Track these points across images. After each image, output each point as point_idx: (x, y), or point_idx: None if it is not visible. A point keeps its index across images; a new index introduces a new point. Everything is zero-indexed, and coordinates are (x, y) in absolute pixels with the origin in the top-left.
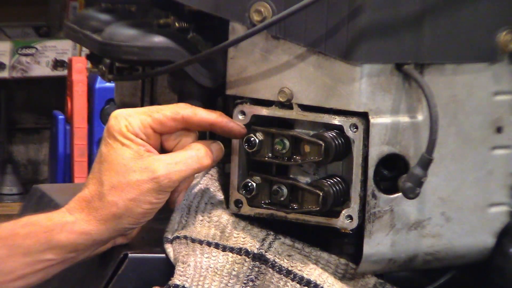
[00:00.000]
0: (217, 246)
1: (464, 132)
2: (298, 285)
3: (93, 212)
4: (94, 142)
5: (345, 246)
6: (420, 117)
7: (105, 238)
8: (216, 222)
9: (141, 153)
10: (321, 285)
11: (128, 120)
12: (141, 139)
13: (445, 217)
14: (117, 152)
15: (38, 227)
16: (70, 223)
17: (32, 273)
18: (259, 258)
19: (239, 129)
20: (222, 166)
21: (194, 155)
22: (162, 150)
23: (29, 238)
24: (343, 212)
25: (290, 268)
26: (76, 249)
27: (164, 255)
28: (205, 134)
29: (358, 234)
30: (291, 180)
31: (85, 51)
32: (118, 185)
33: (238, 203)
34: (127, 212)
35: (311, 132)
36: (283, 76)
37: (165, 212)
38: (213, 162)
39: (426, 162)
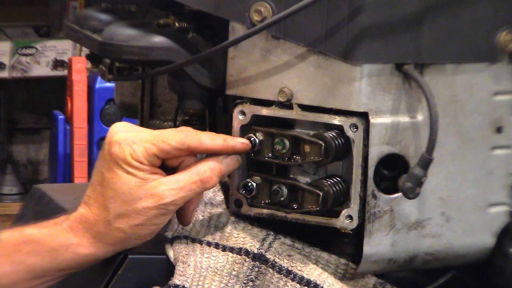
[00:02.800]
0: (217, 246)
1: (464, 132)
2: (298, 285)
3: (99, 236)
4: (94, 142)
5: (345, 246)
6: (420, 117)
7: (110, 255)
8: (216, 222)
9: (145, 178)
10: (321, 285)
11: (133, 148)
12: (145, 165)
13: (445, 217)
14: (122, 180)
15: (42, 246)
16: (74, 244)
17: (34, 286)
18: (259, 258)
19: (244, 148)
20: None
21: (198, 179)
22: (165, 166)
23: (33, 256)
24: (343, 212)
25: (290, 268)
26: (80, 267)
27: (164, 255)
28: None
29: (358, 234)
30: (291, 180)
31: (85, 51)
32: (125, 213)
33: (238, 203)
34: (133, 236)
35: (311, 132)
36: (283, 76)
37: None
38: (222, 177)
39: (426, 162)
